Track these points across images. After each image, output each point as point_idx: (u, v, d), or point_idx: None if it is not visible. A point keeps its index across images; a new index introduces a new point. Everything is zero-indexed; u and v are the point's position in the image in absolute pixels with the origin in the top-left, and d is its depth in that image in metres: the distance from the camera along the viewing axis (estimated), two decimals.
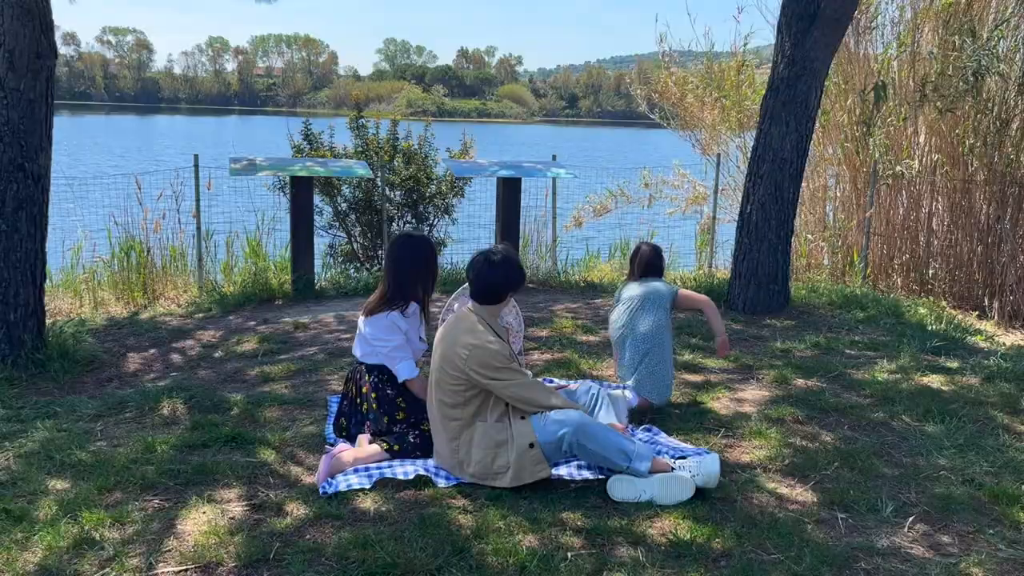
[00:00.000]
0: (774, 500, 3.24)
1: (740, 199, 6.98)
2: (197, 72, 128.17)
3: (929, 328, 6.24)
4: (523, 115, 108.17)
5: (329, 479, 3.31)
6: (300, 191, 6.87)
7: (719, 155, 10.16)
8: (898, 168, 9.50)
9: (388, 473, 3.33)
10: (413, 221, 9.66)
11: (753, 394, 4.50)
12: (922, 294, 9.41)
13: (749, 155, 7.05)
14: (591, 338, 5.67)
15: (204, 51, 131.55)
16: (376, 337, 3.71)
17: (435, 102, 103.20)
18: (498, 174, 7.52)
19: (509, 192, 7.54)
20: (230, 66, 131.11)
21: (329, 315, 6.30)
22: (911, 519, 3.11)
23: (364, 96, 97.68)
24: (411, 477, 3.31)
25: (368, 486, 3.26)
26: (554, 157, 9.23)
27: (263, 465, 3.48)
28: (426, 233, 9.71)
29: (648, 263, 4.54)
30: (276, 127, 9.71)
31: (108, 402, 4.37)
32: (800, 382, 4.72)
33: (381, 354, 3.72)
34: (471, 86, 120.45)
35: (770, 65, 6.95)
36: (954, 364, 5.13)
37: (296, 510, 3.08)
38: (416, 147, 9.57)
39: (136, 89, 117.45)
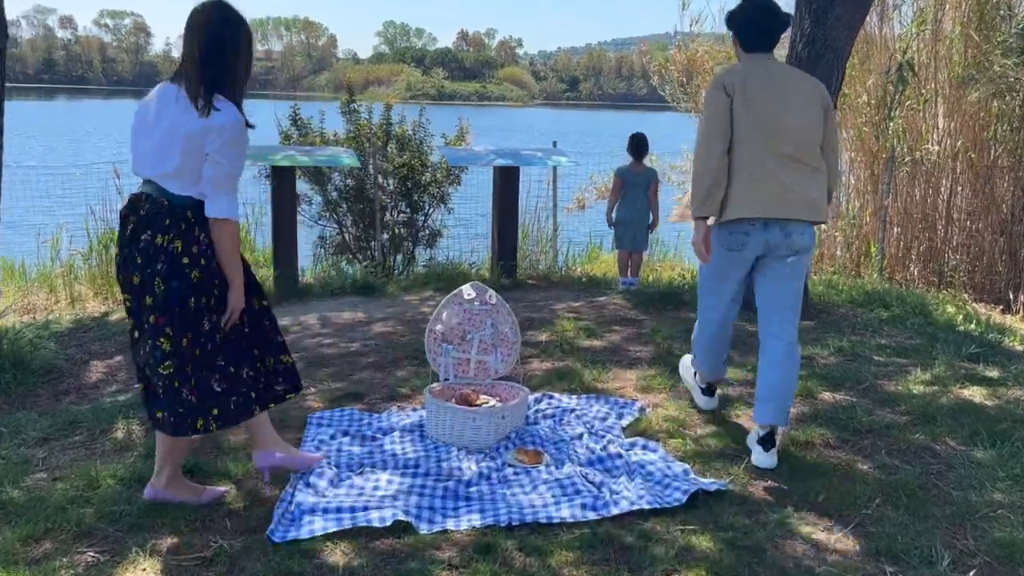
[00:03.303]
0: (811, 549, 2.79)
1: None
2: None
3: (959, 328, 5.78)
4: (524, 98, 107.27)
5: (290, 523, 2.85)
6: (282, 182, 6.40)
7: None
8: (917, 154, 9.02)
9: (362, 520, 2.86)
10: (407, 210, 9.21)
11: None
12: (940, 286, 8.95)
13: None
14: (595, 343, 5.21)
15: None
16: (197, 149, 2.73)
17: (435, 85, 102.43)
18: (495, 163, 7.05)
19: (506, 181, 7.06)
20: None
21: (312, 317, 5.84)
22: (972, 574, 2.66)
23: (363, 79, 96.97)
24: (388, 523, 2.86)
25: (334, 529, 2.82)
26: (555, 143, 8.75)
27: (220, 505, 3.03)
28: (420, 223, 9.26)
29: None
30: (275, 111, 9.21)
31: (58, 421, 3.92)
32: (827, 396, 4.27)
33: (209, 178, 2.75)
34: (471, 69, 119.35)
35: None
36: (994, 373, 4.67)
37: (252, 566, 2.63)
38: (411, 133, 9.10)
39: (134, 73, 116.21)
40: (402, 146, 9.01)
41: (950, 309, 6.34)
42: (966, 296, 8.52)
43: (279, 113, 9.27)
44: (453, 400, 3.69)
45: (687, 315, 5.91)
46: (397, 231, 9.28)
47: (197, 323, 2.82)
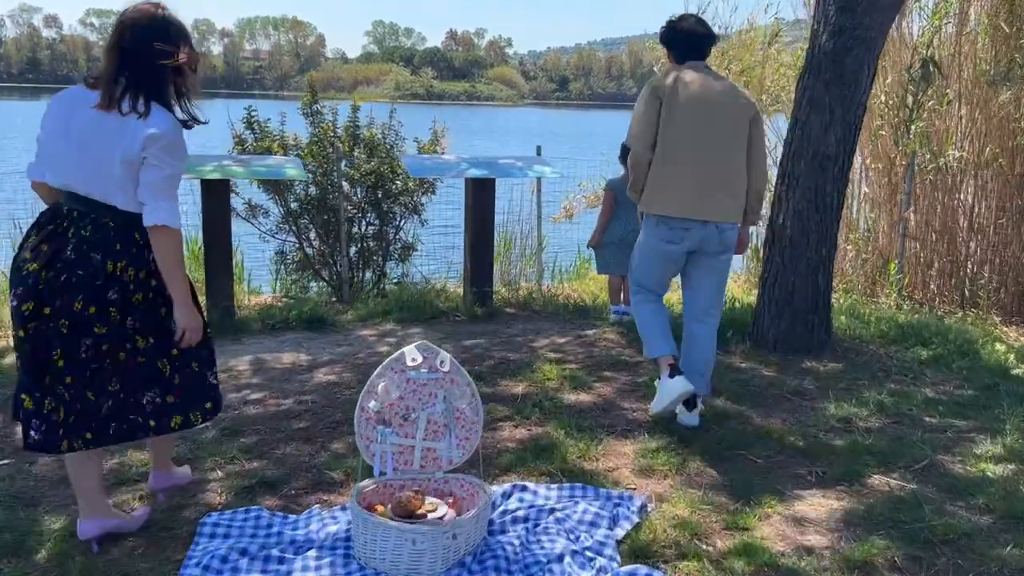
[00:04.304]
0: None
1: (770, 204, 5.56)
2: None
3: (1015, 372, 4.87)
4: (513, 98, 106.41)
5: None
6: (214, 197, 5.42)
7: None
8: (941, 161, 8.13)
9: None
10: (377, 222, 8.28)
11: (818, 509, 3.11)
12: (964, 306, 8.09)
13: (781, 149, 5.65)
14: (582, 397, 4.26)
15: (190, 33, 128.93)
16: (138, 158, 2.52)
17: (424, 85, 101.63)
18: (467, 174, 6.09)
19: (481, 194, 6.10)
20: (216, 49, 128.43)
21: (244, 360, 4.87)
22: None
23: (352, 78, 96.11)
24: None
25: None
26: (539, 150, 7.81)
27: None
28: (391, 236, 8.34)
29: None
30: (228, 113, 8.24)
31: None
32: (879, 480, 3.34)
33: (147, 183, 2.52)
34: (460, 68, 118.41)
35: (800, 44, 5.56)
36: None
37: None
38: (380, 137, 8.16)
39: None
40: (371, 151, 8.09)
41: (999, 347, 5.42)
42: (996, 319, 7.69)
43: (233, 115, 8.31)
44: (388, 507, 2.74)
45: None
46: (366, 244, 8.36)
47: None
